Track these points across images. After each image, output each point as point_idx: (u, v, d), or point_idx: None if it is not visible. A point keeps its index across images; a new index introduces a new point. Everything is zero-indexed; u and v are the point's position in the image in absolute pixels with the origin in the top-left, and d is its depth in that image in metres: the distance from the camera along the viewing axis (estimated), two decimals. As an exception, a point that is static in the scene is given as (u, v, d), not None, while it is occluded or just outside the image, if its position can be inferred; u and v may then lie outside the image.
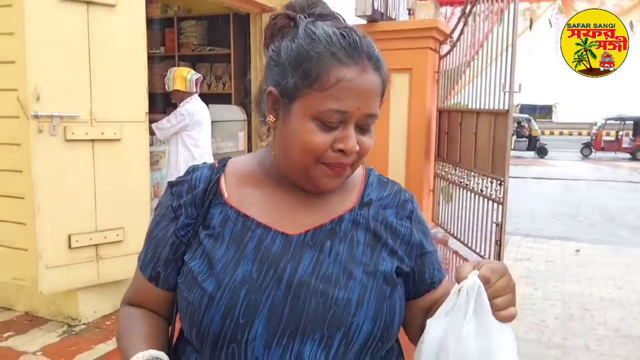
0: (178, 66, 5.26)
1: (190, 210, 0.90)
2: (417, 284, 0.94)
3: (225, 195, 0.91)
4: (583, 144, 20.62)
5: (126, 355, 0.85)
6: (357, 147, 0.83)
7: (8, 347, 3.08)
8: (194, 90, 4.03)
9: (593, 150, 19.78)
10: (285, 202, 0.91)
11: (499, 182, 4.61)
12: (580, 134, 29.00)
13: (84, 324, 3.39)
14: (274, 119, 0.88)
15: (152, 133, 3.95)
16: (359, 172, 0.98)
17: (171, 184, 0.95)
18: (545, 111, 32.94)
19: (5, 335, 3.23)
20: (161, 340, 0.91)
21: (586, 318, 3.68)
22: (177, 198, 0.92)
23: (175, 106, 4.14)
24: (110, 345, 3.10)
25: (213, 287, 0.82)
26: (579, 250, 5.48)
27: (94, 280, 3.32)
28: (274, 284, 0.82)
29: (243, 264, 0.83)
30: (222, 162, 0.97)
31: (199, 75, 4.15)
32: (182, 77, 3.99)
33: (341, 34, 0.83)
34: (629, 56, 4.12)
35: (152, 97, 4.20)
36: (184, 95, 4.01)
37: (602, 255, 5.37)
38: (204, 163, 0.99)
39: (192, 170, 0.96)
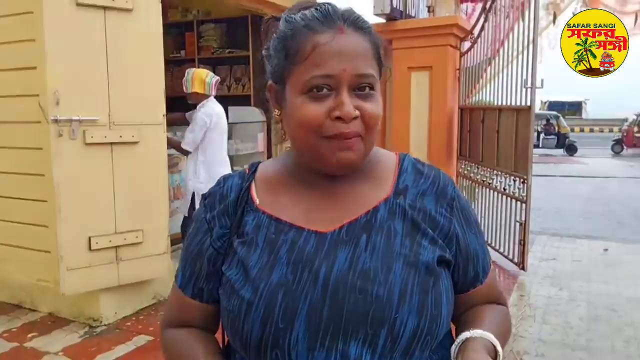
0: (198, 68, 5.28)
1: (223, 220, 0.90)
2: (461, 278, 0.90)
3: (257, 201, 0.90)
4: (614, 140, 20.06)
5: None
6: (357, 112, 0.80)
7: (31, 347, 3.14)
8: (212, 93, 4.03)
9: (624, 147, 19.24)
10: (315, 200, 0.88)
11: (522, 180, 4.52)
12: (611, 130, 28.18)
13: (105, 325, 3.43)
14: (279, 112, 0.88)
15: (184, 153, 3.96)
16: (392, 158, 0.94)
17: (204, 197, 0.95)
18: (574, 108, 32.16)
19: (29, 335, 3.29)
20: (222, 357, 0.91)
21: (613, 319, 3.57)
22: (210, 210, 0.92)
23: (194, 106, 4.16)
24: (129, 346, 3.13)
25: (250, 294, 0.81)
26: (607, 250, 5.33)
27: (114, 282, 3.36)
28: (310, 285, 0.80)
29: (278, 268, 0.82)
30: (252, 167, 0.96)
31: (218, 77, 4.14)
32: (200, 79, 3.97)
33: (315, 8, 0.84)
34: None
35: (173, 100, 4.25)
36: (202, 97, 4.01)
37: (631, 254, 5.20)
38: (235, 171, 1.00)
39: (223, 179, 0.95)
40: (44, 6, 2.97)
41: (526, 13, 4.35)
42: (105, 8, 3.17)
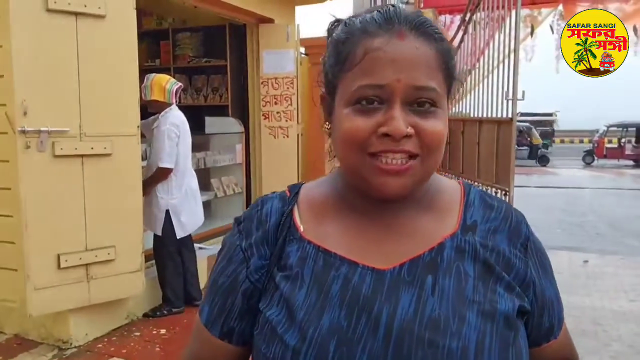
0: (173, 77, 5.10)
1: (262, 250, 0.78)
2: (534, 331, 0.79)
3: (301, 229, 0.78)
4: (585, 151, 20.51)
5: None
6: (410, 130, 0.68)
7: (-6, 373, 2.96)
8: (173, 101, 3.80)
9: (595, 158, 19.65)
10: (371, 230, 0.76)
11: (503, 192, 4.48)
12: (582, 141, 28.86)
13: (75, 347, 3.26)
14: (330, 125, 0.77)
15: (167, 173, 3.71)
16: (456, 187, 0.83)
17: (238, 221, 0.83)
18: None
19: (-7, 360, 3.10)
20: None
21: (599, 333, 3.54)
22: (246, 237, 0.79)
23: (149, 115, 3.97)
24: (101, 370, 2.97)
25: (296, 340, 0.70)
26: (587, 261, 5.34)
27: (85, 301, 3.19)
28: (370, 333, 0.68)
29: (329, 310, 0.70)
30: (294, 190, 0.84)
31: (180, 84, 3.92)
32: (160, 86, 3.73)
33: (378, 10, 0.73)
34: (632, 61, 4.03)
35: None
36: (162, 105, 3.76)
37: (611, 265, 5.23)
38: (274, 192, 0.85)
39: (261, 202, 0.83)
40: (12, 11, 2.82)
41: (507, 24, 4.34)
42: (77, 14, 3.03)
